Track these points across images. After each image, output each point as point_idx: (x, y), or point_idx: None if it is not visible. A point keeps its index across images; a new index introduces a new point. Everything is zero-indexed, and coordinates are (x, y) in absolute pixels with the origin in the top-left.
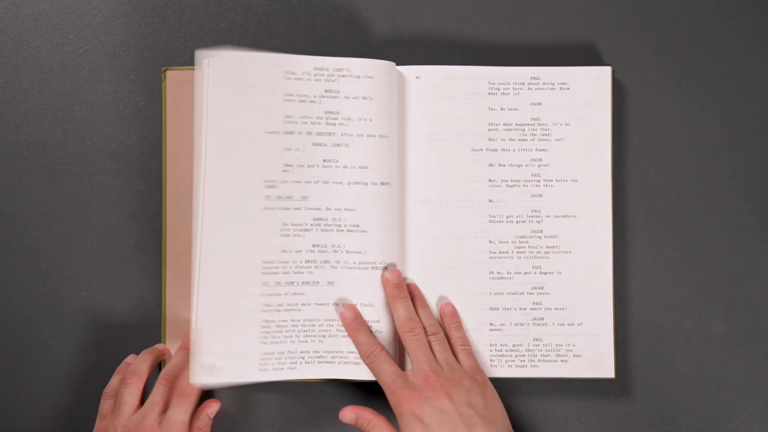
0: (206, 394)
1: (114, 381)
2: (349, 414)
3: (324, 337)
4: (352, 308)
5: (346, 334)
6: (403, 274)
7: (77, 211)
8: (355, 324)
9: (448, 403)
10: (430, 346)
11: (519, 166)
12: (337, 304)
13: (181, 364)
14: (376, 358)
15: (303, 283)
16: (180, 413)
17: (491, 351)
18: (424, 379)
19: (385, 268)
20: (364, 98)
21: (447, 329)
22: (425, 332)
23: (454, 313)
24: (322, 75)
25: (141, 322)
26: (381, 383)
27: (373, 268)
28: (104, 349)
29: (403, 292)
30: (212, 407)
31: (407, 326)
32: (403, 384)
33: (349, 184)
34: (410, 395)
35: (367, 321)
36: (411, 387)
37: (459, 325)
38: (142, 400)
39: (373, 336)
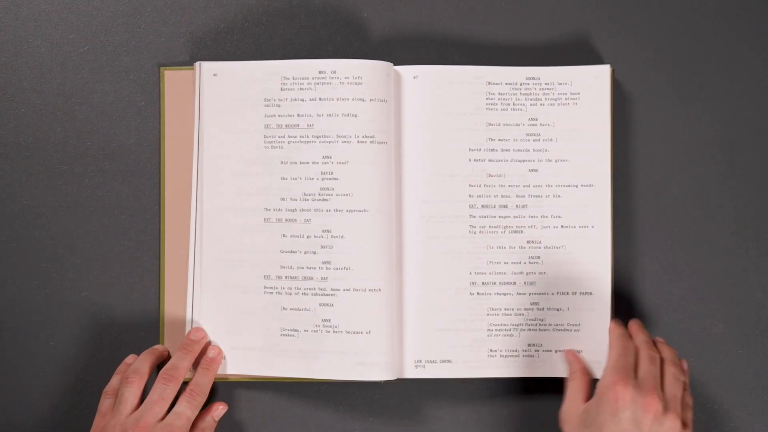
0: (213, 397)
1: (114, 380)
2: (567, 355)
3: (328, 333)
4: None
5: (345, 334)
6: (400, 283)
7: (77, 211)
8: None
9: (649, 422)
10: (663, 375)
11: (518, 165)
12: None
13: (181, 364)
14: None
15: (305, 281)
16: (188, 408)
17: (490, 351)
18: (648, 389)
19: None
20: (362, 100)
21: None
22: (663, 361)
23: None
24: (318, 78)
25: (141, 322)
26: (609, 356)
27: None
28: (104, 349)
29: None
30: (218, 410)
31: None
32: (626, 374)
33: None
34: (627, 386)
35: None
36: (633, 383)
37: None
38: (142, 399)
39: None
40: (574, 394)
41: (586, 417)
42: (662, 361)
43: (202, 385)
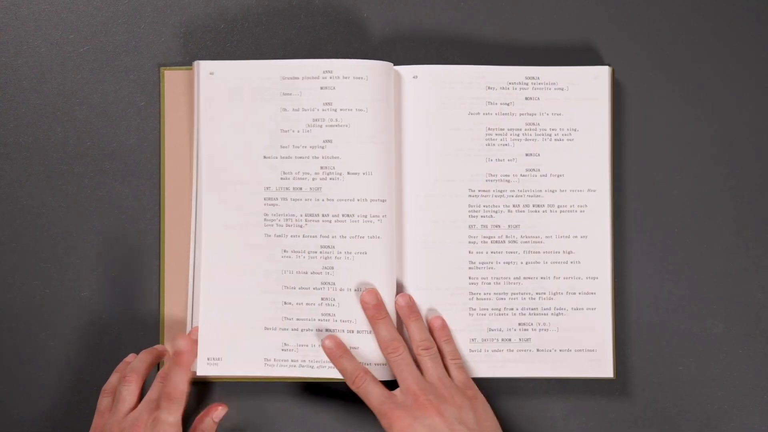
0: (212, 397)
1: (113, 379)
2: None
3: (329, 332)
4: (333, 338)
5: (346, 333)
6: (404, 279)
7: (77, 211)
8: (337, 352)
9: (439, 420)
10: (420, 362)
11: (517, 165)
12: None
13: (171, 363)
14: (362, 382)
15: (306, 279)
16: (169, 415)
17: (490, 352)
18: (413, 399)
19: (357, 290)
20: (361, 102)
21: (437, 343)
22: (418, 347)
23: (444, 326)
24: (318, 78)
25: (141, 322)
26: (370, 407)
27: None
28: (104, 349)
29: (382, 312)
30: (218, 411)
31: (390, 347)
32: (392, 405)
33: (346, 200)
34: (400, 415)
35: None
36: (400, 407)
37: (449, 338)
38: (141, 398)
39: (356, 361)
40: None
41: None
42: (412, 348)
43: (176, 384)
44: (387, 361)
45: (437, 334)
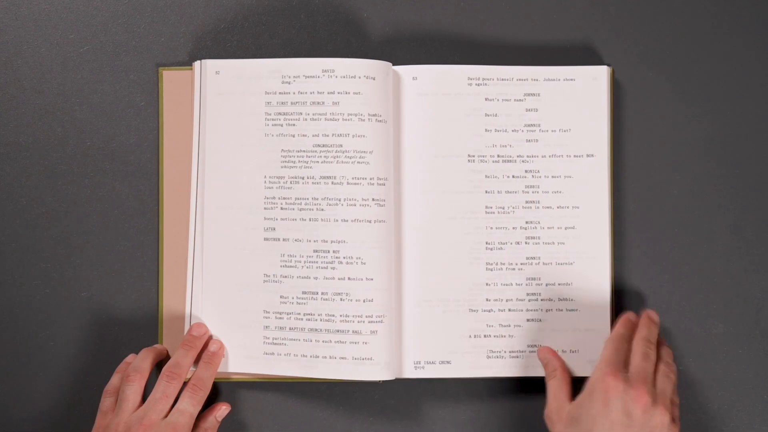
0: (215, 397)
1: (115, 379)
2: (542, 353)
3: (329, 332)
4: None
5: (345, 333)
6: (399, 286)
7: (77, 211)
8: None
9: (640, 413)
10: (655, 372)
11: (517, 165)
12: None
13: (184, 361)
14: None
15: (305, 280)
16: (191, 405)
17: (490, 351)
18: (638, 382)
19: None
20: (360, 100)
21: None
22: (657, 359)
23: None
24: (318, 77)
25: (141, 321)
26: (602, 352)
27: (369, 246)
28: (104, 349)
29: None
30: (221, 410)
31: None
32: (618, 368)
33: (348, 183)
34: (617, 379)
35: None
36: (623, 376)
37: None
38: (144, 397)
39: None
40: (557, 393)
41: (578, 411)
42: (657, 359)
43: (204, 380)
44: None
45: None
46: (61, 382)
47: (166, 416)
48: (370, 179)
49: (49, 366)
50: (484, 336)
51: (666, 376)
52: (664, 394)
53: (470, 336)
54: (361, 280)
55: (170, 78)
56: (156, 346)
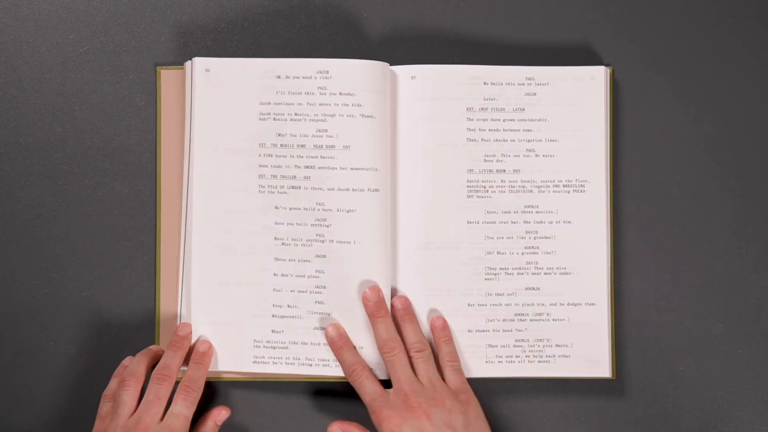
0: (214, 400)
1: (113, 384)
2: (335, 429)
3: (323, 330)
4: (337, 327)
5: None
6: (395, 283)
7: (77, 211)
8: (339, 342)
9: (427, 423)
10: (414, 364)
11: (514, 165)
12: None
13: (173, 362)
14: (358, 376)
15: (298, 279)
16: (185, 408)
17: (488, 351)
18: (403, 399)
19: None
20: (356, 101)
21: (437, 343)
22: (411, 349)
23: (445, 327)
24: (314, 77)
25: (141, 321)
26: (363, 401)
27: (363, 246)
28: (104, 349)
29: (383, 310)
30: (221, 415)
31: (386, 347)
32: (383, 403)
33: (339, 190)
34: (389, 415)
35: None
36: (391, 406)
37: (449, 339)
38: (140, 401)
39: (357, 354)
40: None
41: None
42: (409, 351)
43: (195, 380)
44: (383, 359)
45: (437, 334)
46: (61, 382)
47: (161, 418)
48: (365, 180)
49: (49, 366)
50: (484, 336)
51: (423, 362)
52: (431, 382)
53: (469, 336)
54: (355, 279)
55: (168, 78)
56: (152, 347)
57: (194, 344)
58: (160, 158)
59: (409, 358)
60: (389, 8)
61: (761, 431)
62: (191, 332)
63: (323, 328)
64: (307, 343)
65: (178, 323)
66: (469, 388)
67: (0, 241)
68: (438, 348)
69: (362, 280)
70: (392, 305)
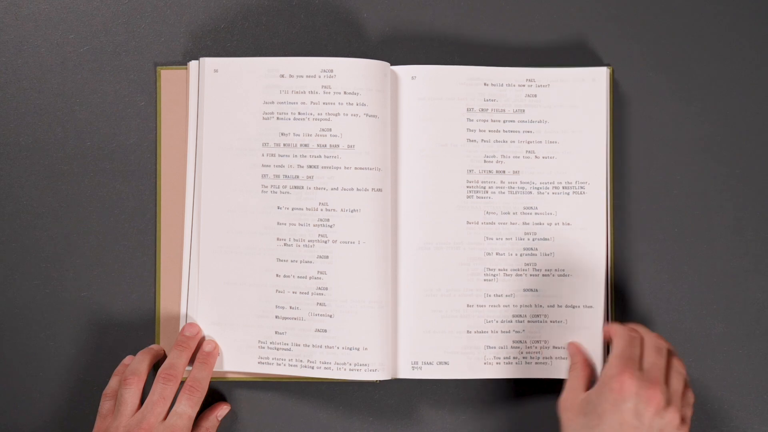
0: (215, 397)
1: (113, 382)
2: (570, 348)
3: (325, 332)
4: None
5: (340, 331)
6: (395, 283)
7: (77, 211)
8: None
9: (651, 415)
10: (668, 368)
11: (515, 166)
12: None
13: (178, 362)
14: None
15: (301, 279)
16: (188, 407)
17: (486, 352)
18: (653, 382)
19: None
20: (358, 100)
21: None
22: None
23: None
24: (317, 76)
25: (141, 321)
26: (614, 345)
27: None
28: (104, 349)
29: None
30: (222, 409)
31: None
32: (632, 365)
33: (343, 190)
34: (632, 377)
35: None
36: (638, 374)
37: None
38: (142, 400)
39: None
40: (574, 383)
41: (587, 405)
42: (668, 353)
43: (200, 380)
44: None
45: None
46: (61, 382)
47: (165, 418)
48: (369, 180)
49: (49, 366)
50: (483, 337)
51: (678, 372)
52: (676, 393)
53: (468, 337)
54: (358, 280)
55: (168, 77)
56: (153, 346)
57: (200, 344)
58: (160, 158)
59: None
60: (389, 8)
61: (761, 431)
62: (198, 332)
63: (325, 330)
64: (309, 345)
65: (182, 323)
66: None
67: (0, 241)
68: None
69: (364, 280)
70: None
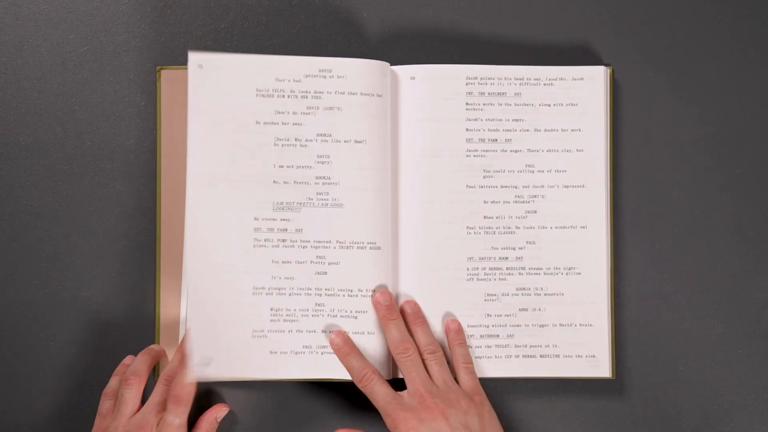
0: (214, 398)
1: (113, 382)
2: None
3: (323, 332)
4: (342, 334)
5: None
6: (395, 284)
7: (77, 211)
8: (345, 349)
9: (444, 424)
10: (427, 366)
11: (515, 165)
12: (329, 328)
13: (179, 366)
14: (369, 381)
15: (296, 281)
16: (175, 417)
17: (487, 351)
18: (419, 401)
19: (374, 291)
20: (356, 100)
21: (450, 346)
22: (424, 351)
23: (459, 330)
24: (313, 75)
25: (141, 321)
26: (377, 406)
27: (365, 246)
28: (104, 349)
29: (394, 313)
30: (221, 411)
31: (400, 347)
32: (398, 405)
33: (344, 190)
34: (405, 416)
35: (362, 332)
36: (406, 408)
37: (463, 341)
38: (143, 400)
39: (365, 359)
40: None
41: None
42: (422, 353)
43: (184, 388)
44: (396, 362)
45: (451, 336)
46: (61, 382)
47: None
48: (369, 180)
49: (49, 366)
50: (483, 337)
51: (437, 364)
52: (446, 383)
53: (468, 332)
54: (357, 280)
55: (168, 77)
56: (153, 346)
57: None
58: (160, 158)
59: (422, 360)
60: (389, 8)
61: (761, 431)
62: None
63: (323, 332)
64: (310, 346)
65: (182, 327)
66: (482, 390)
67: (0, 241)
68: (452, 350)
69: (364, 281)
70: (402, 309)
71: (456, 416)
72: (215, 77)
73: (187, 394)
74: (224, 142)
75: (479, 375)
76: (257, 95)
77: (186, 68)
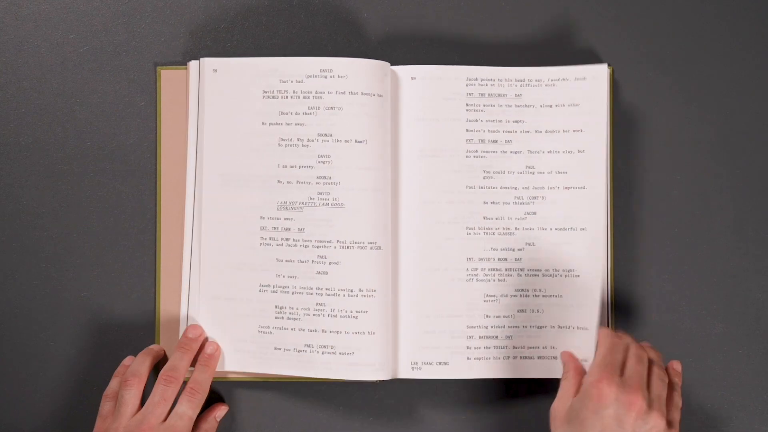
0: (214, 398)
1: (113, 383)
2: (563, 356)
3: (324, 333)
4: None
5: (340, 335)
6: (395, 284)
7: (77, 211)
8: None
9: (632, 420)
10: (649, 375)
11: (515, 166)
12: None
13: (180, 364)
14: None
15: (300, 279)
16: (189, 409)
17: (486, 352)
18: (633, 387)
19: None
20: (357, 100)
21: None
22: (650, 362)
23: (679, 374)
24: (316, 76)
25: (141, 321)
26: (596, 353)
27: (365, 246)
28: (104, 349)
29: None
30: (220, 410)
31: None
32: (612, 372)
33: (344, 190)
34: (611, 384)
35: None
36: (618, 381)
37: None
38: (142, 401)
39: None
40: (564, 392)
41: (570, 412)
42: (649, 362)
43: (201, 383)
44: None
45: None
46: (61, 382)
47: (165, 420)
48: (370, 179)
49: (49, 366)
50: (482, 338)
51: (660, 379)
52: (659, 399)
53: (467, 338)
54: (358, 280)
55: (168, 77)
56: (153, 347)
57: (202, 346)
58: (160, 158)
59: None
60: (389, 8)
61: (761, 431)
62: (201, 334)
63: (324, 331)
64: (311, 345)
65: (182, 323)
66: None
67: (0, 241)
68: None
69: (364, 281)
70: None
71: (644, 423)
72: (227, 81)
73: (203, 390)
74: (235, 144)
75: (478, 376)
76: (264, 96)
77: (186, 68)
